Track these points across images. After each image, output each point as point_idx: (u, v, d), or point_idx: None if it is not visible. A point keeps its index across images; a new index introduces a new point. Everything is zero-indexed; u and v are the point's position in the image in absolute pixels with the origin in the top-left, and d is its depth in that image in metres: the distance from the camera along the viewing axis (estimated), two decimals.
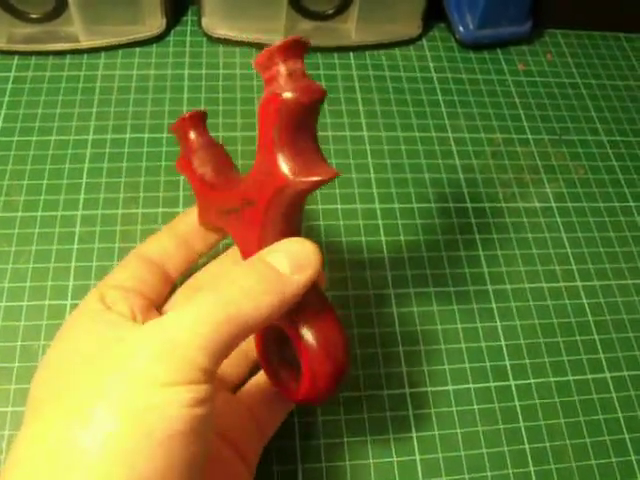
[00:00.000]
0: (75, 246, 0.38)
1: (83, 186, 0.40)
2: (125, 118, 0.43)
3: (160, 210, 0.39)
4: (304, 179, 0.22)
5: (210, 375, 0.21)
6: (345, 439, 0.33)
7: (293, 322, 0.25)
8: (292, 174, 0.23)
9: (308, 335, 0.25)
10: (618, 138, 0.47)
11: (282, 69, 0.22)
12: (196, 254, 0.30)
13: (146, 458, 0.19)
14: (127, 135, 0.42)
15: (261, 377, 0.30)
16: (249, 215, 0.25)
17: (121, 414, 0.20)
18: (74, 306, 0.35)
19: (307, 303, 0.25)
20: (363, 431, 0.33)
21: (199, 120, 0.29)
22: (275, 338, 0.28)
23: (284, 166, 0.23)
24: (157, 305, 0.28)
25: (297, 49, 0.22)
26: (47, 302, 0.36)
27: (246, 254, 0.26)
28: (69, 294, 0.36)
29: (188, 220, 0.30)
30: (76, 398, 0.21)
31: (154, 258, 0.29)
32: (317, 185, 0.23)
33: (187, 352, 0.21)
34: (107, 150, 0.41)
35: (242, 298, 0.22)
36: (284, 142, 0.23)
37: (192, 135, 0.29)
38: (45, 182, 0.40)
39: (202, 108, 0.30)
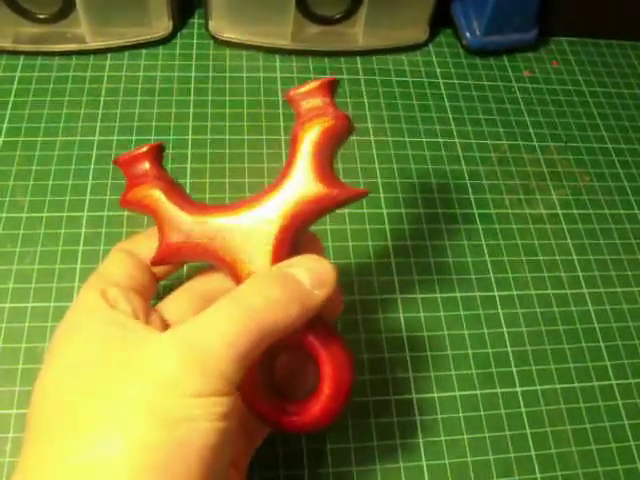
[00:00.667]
0: (81, 247, 0.37)
1: (89, 187, 0.40)
2: (132, 120, 0.43)
3: None
4: (344, 193, 0.25)
5: (233, 386, 0.21)
6: (352, 445, 0.33)
7: (313, 333, 0.26)
8: (334, 189, 0.25)
9: (333, 345, 0.26)
10: (623, 146, 0.47)
11: (328, 100, 0.26)
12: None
13: (182, 471, 0.19)
14: (133, 137, 0.42)
15: None
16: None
17: (154, 423, 0.19)
18: None
19: (319, 317, 0.25)
20: (370, 437, 0.33)
21: (158, 152, 0.27)
22: (267, 364, 0.27)
23: (325, 182, 0.25)
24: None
25: (334, 85, 0.27)
26: (52, 304, 0.35)
27: (240, 276, 0.25)
28: (74, 296, 0.36)
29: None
30: (99, 406, 0.20)
31: (140, 255, 0.27)
32: (352, 200, 0.26)
33: (217, 363, 0.20)
34: (113, 152, 0.41)
35: (268, 307, 0.22)
36: (325, 161, 0.25)
37: (148, 165, 0.27)
38: (51, 183, 0.40)
39: (161, 142, 0.28)
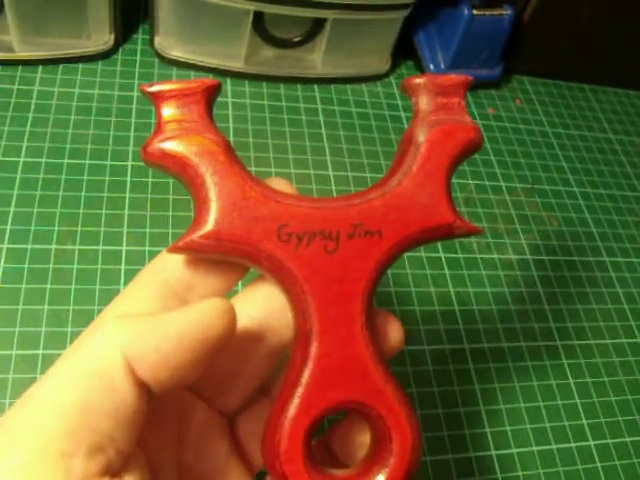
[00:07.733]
0: None
1: (11, 215, 0.34)
2: (64, 141, 0.38)
3: (100, 248, 0.34)
4: (466, 225, 0.20)
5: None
6: None
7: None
8: (458, 218, 0.20)
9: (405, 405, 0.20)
10: (589, 190, 0.45)
11: (464, 104, 0.21)
12: None
13: None
14: (65, 160, 0.37)
15: None
16: (364, 245, 0.20)
17: None
18: None
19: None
20: None
21: (212, 94, 0.20)
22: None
23: (450, 206, 0.20)
24: None
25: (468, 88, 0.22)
26: None
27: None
28: None
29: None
30: None
31: None
32: (465, 235, 0.21)
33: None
34: (41, 176, 0.36)
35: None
36: (449, 177, 0.20)
37: (200, 109, 0.20)
38: None
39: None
